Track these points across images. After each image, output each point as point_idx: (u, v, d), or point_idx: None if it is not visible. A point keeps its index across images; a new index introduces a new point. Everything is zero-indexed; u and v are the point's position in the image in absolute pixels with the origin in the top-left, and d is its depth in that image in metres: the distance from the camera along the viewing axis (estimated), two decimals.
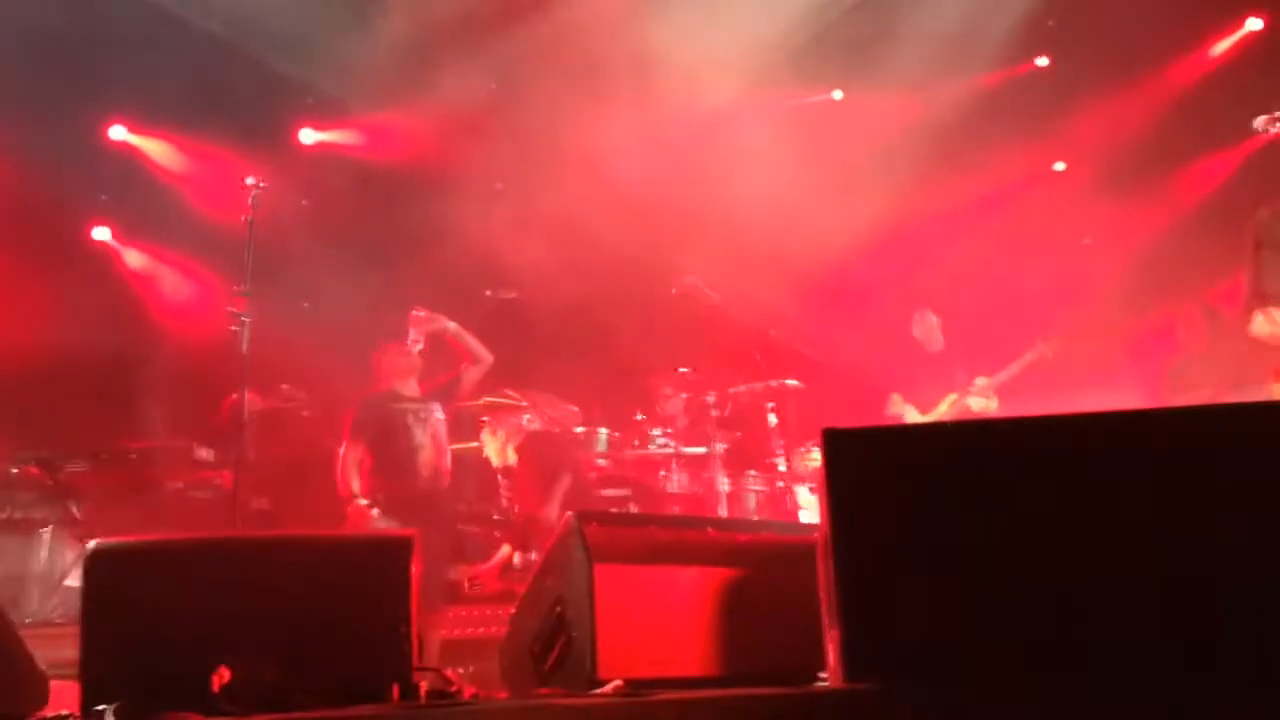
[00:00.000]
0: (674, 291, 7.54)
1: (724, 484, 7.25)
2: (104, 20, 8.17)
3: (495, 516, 7.70)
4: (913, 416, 7.75)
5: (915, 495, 2.37)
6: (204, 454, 7.53)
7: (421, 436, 7.03)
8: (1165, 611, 2.23)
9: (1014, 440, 2.44)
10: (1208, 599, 2.23)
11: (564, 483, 7.22)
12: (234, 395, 7.36)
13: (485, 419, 7.81)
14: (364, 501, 6.83)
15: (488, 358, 7.36)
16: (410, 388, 7.17)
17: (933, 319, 8.03)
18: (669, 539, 3.59)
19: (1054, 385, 7.52)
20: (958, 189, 9.08)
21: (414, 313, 7.19)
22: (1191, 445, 2.35)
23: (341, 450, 7.01)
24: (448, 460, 7.18)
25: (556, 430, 7.67)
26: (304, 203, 9.02)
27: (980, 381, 7.66)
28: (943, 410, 7.66)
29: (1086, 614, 2.24)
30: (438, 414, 7.18)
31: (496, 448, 7.58)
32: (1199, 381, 7.09)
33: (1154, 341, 7.96)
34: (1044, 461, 2.36)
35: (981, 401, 7.62)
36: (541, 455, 7.44)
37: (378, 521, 6.75)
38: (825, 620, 2.67)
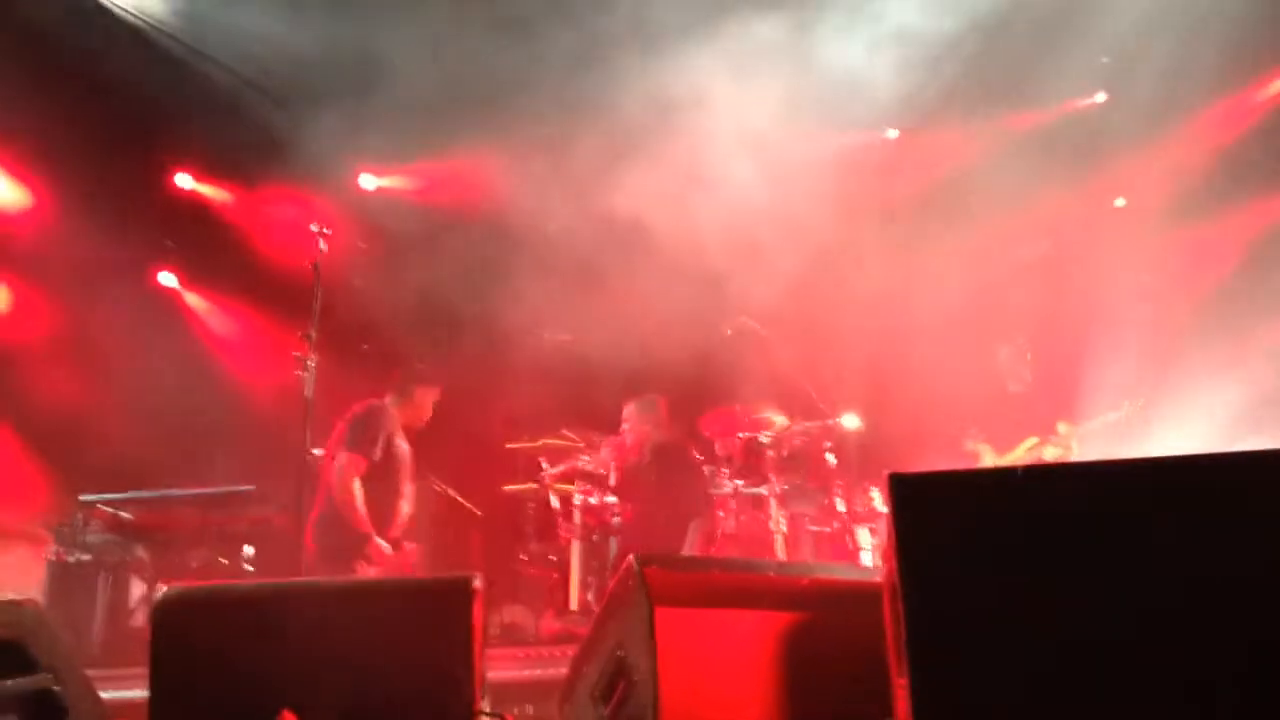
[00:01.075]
0: (728, 332, 7.53)
1: (782, 525, 7.17)
2: (170, 71, 8.39)
3: (552, 558, 7.70)
4: (988, 457, 7.60)
5: (986, 544, 2.33)
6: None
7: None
8: (1254, 681, 2.16)
9: (1093, 487, 2.39)
10: None
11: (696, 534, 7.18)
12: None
13: (542, 460, 7.84)
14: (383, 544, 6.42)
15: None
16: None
17: (1022, 348, 7.84)
18: (730, 582, 3.55)
19: (1135, 442, 7.30)
20: (1022, 225, 8.97)
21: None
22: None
23: (340, 462, 6.44)
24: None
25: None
26: (362, 245, 9.15)
27: (1062, 429, 7.47)
28: (1018, 455, 7.50)
29: (1165, 677, 2.18)
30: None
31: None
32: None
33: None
34: (1126, 510, 2.30)
35: (1058, 451, 7.41)
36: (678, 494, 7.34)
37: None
38: (893, 667, 2.63)
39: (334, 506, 6.43)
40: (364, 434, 6.53)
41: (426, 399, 6.97)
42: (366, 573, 6.30)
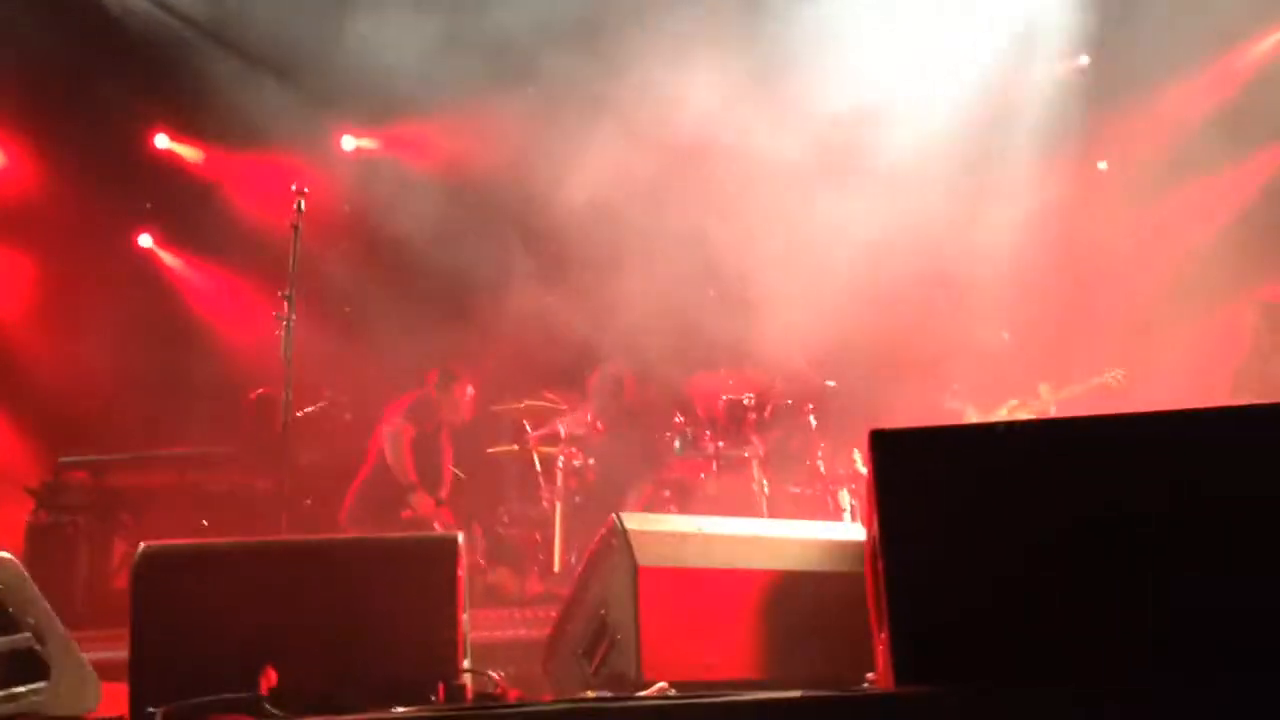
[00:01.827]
0: (711, 293, 7.53)
1: (764, 486, 7.20)
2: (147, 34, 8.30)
3: (534, 518, 7.72)
4: (971, 415, 7.63)
5: (965, 498, 2.35)
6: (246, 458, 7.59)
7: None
8: (1230, 613, 2.19)
9: (1068, 441, 2.41)
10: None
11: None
12: (262, 389, 7.60)
13: (525, 422, 7.85)
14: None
15: None
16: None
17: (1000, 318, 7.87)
18: (712, 541, 3.57)
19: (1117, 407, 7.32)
20: (1008, 187, 8.95)
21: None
22: (1253, 444, 2.31)
23: (395, 427, 7.24)
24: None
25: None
26: (346, 208, 9.08)
27: (1044, 391, 7.52)
28: (1001, 415, 7.53)
29: (1143, 618, 2.21)
30: None
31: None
32: (1262, 381, 6.98)
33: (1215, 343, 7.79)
34: (1100, 462, 2.33)
35: (1038, 413, 7.46)
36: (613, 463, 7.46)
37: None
38: (873, 622, 2.65)
39: (384, 462, 7.28)
40: (417, 411, 7.45)
41: (463, 394, 7.69)
42: (407, 517, 7.14)
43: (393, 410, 7.46)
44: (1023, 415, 7.46)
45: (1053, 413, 7.44)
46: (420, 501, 7.21)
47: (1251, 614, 2.20)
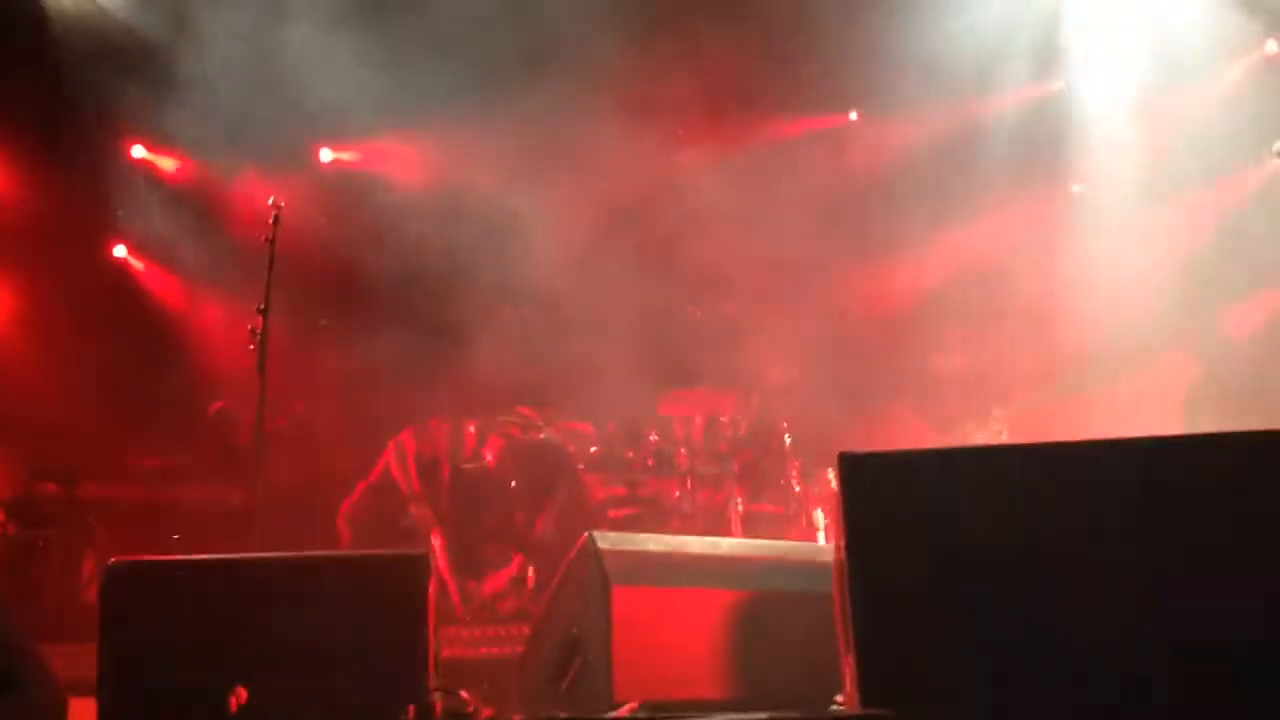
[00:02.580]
0: (695, 314, 7.56)
1: (738, 505, 7.22)
2: (126, 43, 8.28)
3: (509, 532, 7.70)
4: (928, 435, 7.69)
5: (932, 521, 2.37)
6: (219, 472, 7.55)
7: None
8: (1191, 643, 2.21)
9: (1031, 466, 2.44)
10: (1249, 636, 2.21)
11: (559, 497, 7.20)
12: (220, 403, 7.57)
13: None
14: None
15: None
16: None
17: (954, 344, 7.93)
18: (685, 561, 3.58)
19: (1082, 422, 7.37)
20: (976, 208, 9.05)
21: None
22: (1220, 471, 2.34)
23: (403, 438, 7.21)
24: None
25: (550, 441, 7.62)
26: (323, 220, 9.06)
27: (997, 413, 7.56)
28: (957, 437, 7.58)
29: (1103, 644, 2.23)
30: None
31: None
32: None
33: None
34: (1063, 486, 2.36)
35: (989, 436, 7.48)
36: (533, 467, 7.42)
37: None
38: (842, 644, 2.67)
39: (389, 472, 7.28)
40: (427, 431, 7.47)
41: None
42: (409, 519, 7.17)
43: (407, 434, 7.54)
44: (979, 438, 7.48)
45: (1004, 434, 7.47)
46: (420, 512, 7.21)
47: (1237, 644, 2.21)
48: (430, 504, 7.28)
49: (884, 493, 2.41)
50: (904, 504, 2.40)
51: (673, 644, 3.36)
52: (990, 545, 2.34)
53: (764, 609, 3.44)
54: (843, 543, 2.49)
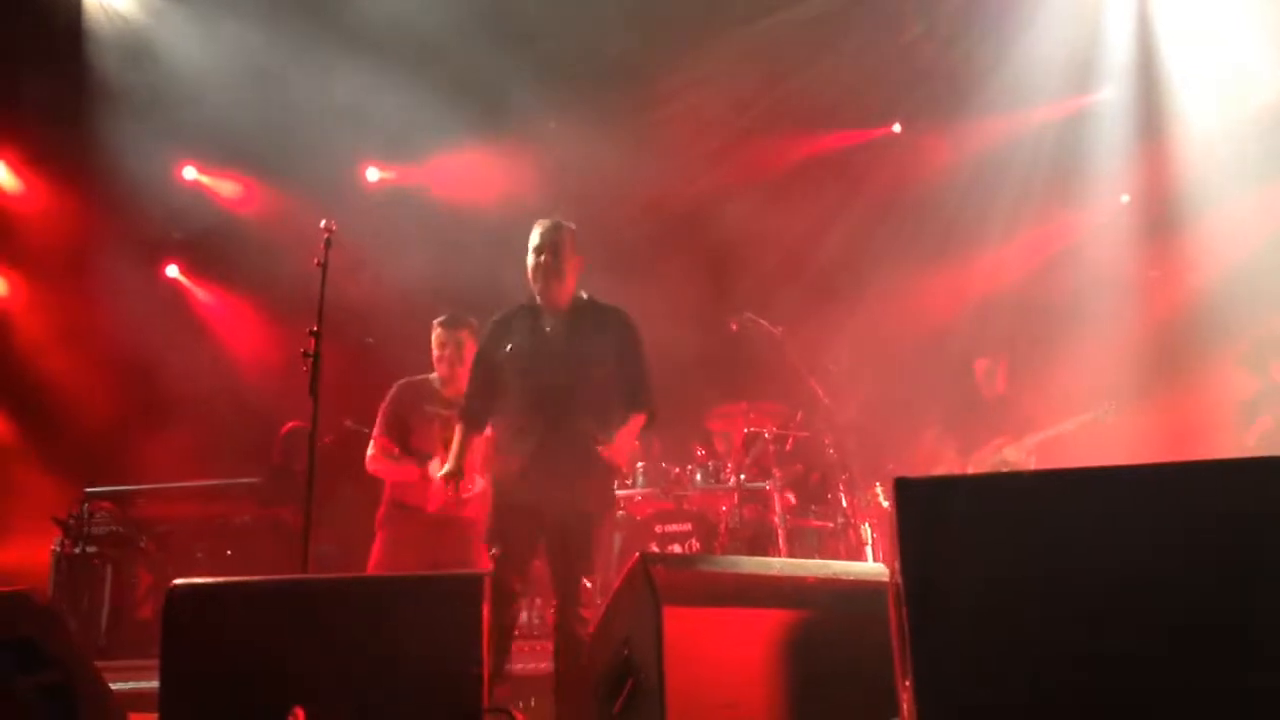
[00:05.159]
0: (733, 328, 7.55)
1: (785, 520, 7.21)
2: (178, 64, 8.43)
3: None
4: (949, 454, 7.62)
5: (990, 546, 2.36)
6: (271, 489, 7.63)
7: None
8: (1253, 678, 2.19)
9: (1098, 491, 2.40)
10: None
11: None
12: (295, 422, 7.59)
13: None
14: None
15: None
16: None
17: (998, 366, 7.85)
18: (737, 581, 3.58)
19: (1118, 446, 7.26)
20: (1019, 222, 9.00)
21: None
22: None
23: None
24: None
25: None
26: (370, 239, 9.15)
27: (1028, 438, 7.48)
28: (983, 455, 7.49)
29: (1171, 677, 2.21)
30: None
31: None
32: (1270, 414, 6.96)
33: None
34: (1131, 513, 2.32)
35: (1018, 455, 7.39)
36: None
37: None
38: (898, 668, 2.66)
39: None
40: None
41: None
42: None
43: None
44: (1002, 460, 7.38)
45: (1031, 458, 7.36)
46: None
47: None
48: None
49: (941, 517, 2.40)
50: (961, 529, 2.38)
51: (726, 665, 3.35)
52: (1052, 572, 2.32)
53: (817, 630, 3.43)
54: (897, 566, 2.48)
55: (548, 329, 5.28)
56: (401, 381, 6.29)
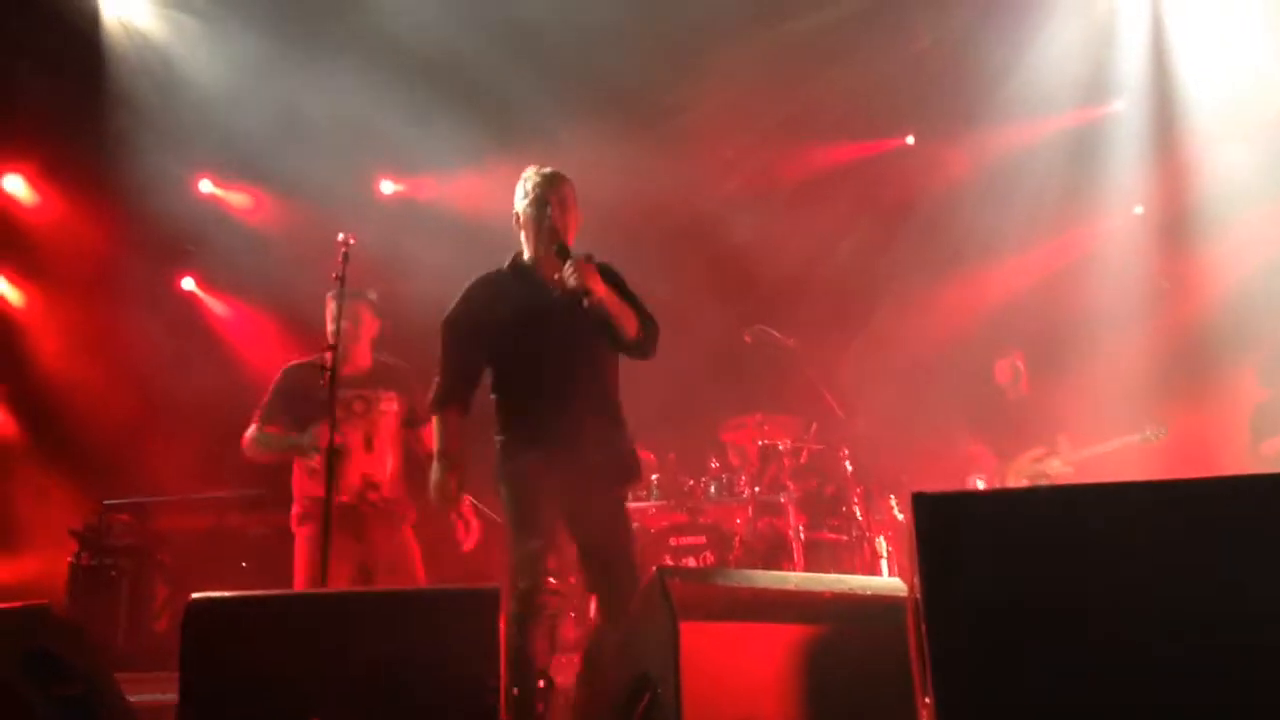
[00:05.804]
0: (747, 340, 7.57)
1: (800, 532, 7.20)
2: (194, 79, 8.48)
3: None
4: (989, 461, 7.64)
5: (1010, 563, 2.35)
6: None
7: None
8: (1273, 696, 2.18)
9: (1119, 506, 2.40)
10: None
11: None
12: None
13: None
14: None
15: None
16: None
17: (1018, 365, 7.89)
18: (754, 596, 3.57)
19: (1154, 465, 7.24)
20: (1032, 234, 8.99)
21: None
22: None
23: None
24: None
25: None
26: (383, 251, 9.17)
27: (1062, 442, 7.47)
28: (1021, 464, 7.52)
29: (1194, 693, 2.20)
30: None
31: None
32: None
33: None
34: (1148, 528, 2.32)
35: (1061, 469, 7.40)
36: None
37: None
38: (917, 685, 2.66)
39: None
40: None
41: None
42: None
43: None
44: (1042, 471, 7.39)
45: (1070, 470, 7.38)
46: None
47: None
48: None
49: (960, 534, 2.40)
50: (981, 545, 2.38)
51: (743, 681, 3.35)
52: (1073, 589, 2.31)
53: (835, 645, 3.42)
54: (916, 582, 2.48)
55: (555, 292, 4.56)
56: (291, 365, 6.17)
